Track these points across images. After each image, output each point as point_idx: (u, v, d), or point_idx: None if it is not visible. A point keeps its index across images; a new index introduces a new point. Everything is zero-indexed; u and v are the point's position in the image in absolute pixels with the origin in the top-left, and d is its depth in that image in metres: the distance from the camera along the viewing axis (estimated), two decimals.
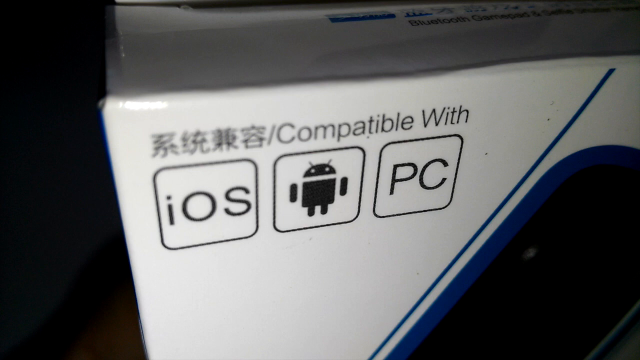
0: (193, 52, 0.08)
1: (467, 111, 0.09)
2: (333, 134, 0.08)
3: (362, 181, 0.09)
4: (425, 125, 0.09)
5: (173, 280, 0.09)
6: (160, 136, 0.07)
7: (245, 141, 0.08)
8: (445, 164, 0.09)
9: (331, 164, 0.08)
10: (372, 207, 0.09)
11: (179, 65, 0.08)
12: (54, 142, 0.24)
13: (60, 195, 0.25)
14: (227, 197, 0.08)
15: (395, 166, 0.09)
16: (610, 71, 0.09)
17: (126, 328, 0.21)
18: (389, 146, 0.09)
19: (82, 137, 0.23)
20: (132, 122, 0.07)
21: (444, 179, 0.09)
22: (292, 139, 0.08)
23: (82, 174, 0.24)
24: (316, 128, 0.08)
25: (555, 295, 0.12)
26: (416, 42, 0.09)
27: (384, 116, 0.08)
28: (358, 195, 0.09)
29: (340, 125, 0.08)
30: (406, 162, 0.09)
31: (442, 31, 0.09)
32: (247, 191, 0.08)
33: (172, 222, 0.08)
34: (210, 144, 0.08)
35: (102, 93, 0.07)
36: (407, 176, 0.09)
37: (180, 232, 0.08)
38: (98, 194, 0.22)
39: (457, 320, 0.11)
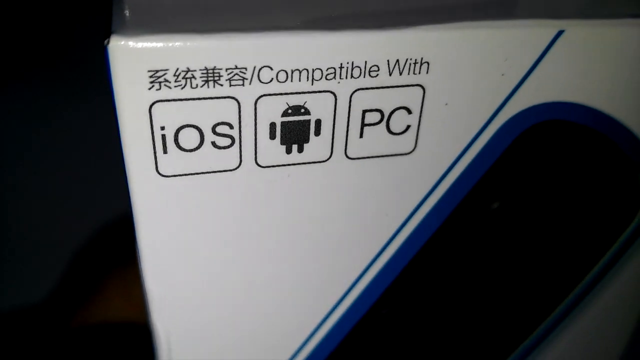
0: (187, 6, 0.09)
1: (428, 63, 0.10)
2: (307, 78, 0.09)
3: (334, 124, 0.10)
4: (390, 74, 0.10)
5: (166, 207, 0.10)
6: (156, 71, 0.09)
7: (229, 80, 0.09)
8: (409, 111, 0.10)
9: (306, 105, 0.10)
10: (344, 148, 0.10)
11: (173, 14, 0.09)
12: (58, 133, 0.26)
13: (60, 179, 0.26)
14: (214, 131, 0.09)
15: (364, 111, 0.10)
16: (560, 33, 0.10)
17: (120, 309, 0.21)
18: (358, 92, 0.10)
19: (84, 128, 0.25)
20: (132, 58, 0.09)
21: (408, 126, 0.10)
22: (271, 80, 0.09)
23: (82, 159, 0.26)
24: (292, 71, 0.09)
25: (513, 245, 0.13)
26: (384, 5, 0.10)
27: (352, 64, 0.09)
28: (331, 136, 0.10)
29: (313, 70, 0.09)
30: (374, 108, 0.10)
31: None
32: (231, 126, 0.09)
33: (165, 151, 0.09)
34: (198, 80, 0.09)
35: (107, 34, 0.09)
36: (375, 121, 0.10)
37: (173, 161, 0.10)
38: (98, 179, 0.24)
39: (424, 262, 0.12)
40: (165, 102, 0.09)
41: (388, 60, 0.10)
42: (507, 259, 0.13)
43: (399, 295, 0.13)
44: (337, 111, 0.10)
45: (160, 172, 0.10)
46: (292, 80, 0.09)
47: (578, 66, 0.11)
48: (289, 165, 0.10)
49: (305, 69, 0.09)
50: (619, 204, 0.13)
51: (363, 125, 0.10)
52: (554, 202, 0.12)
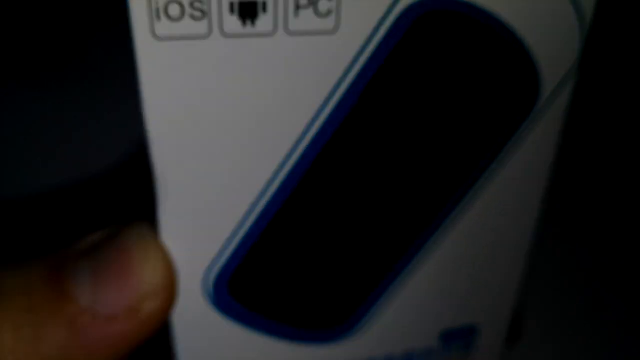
0: None
1: None
2: None
3: (276, 4, 0.14)
4: None
5: (160, 64, 0.15)
6: None
7: None
8: None
9: None
10: (285, 24, 0.15)
11: None
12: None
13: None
14: (191, 6, 0.14)
15: None
16: None
17: None
18: None
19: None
20: None
21: (330, 10, 0.15)
22: None
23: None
24: None
25: (415, 124, 0.17)
26: None
27: None
28: (274, 14, 0.14)
29: None
30: None
31: None
32: (202, 2, 0.14)
33: (158, 18, 0.14)
34: None
35: None
36: (305, 4, 0.14)
37: (164, 26, 0.14)
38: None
39: (358, 121, 0.16)
40: None
41: None
42: (410, 132, 0.17)
43: (328, 160, 0.17)
44: None
45: (156, 34, 0.14)
46: None
47: None
48: (247, 37, 0.15)
49: None
50: (513, 95, 0.17)
51: (297, 7, 0.15)
52: (452, 90, 0.17)
